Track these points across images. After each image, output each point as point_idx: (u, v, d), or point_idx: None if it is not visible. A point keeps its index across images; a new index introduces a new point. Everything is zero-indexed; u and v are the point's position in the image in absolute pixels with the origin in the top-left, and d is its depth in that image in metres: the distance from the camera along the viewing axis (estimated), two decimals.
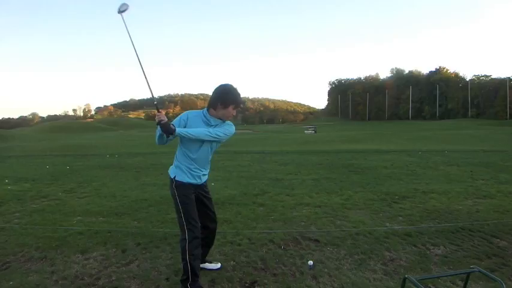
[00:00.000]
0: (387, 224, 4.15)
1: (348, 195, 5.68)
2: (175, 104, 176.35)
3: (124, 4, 2.57)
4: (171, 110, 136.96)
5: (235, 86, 2.58)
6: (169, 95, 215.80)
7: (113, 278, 2.81)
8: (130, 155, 13.64)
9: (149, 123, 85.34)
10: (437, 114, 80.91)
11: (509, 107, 65.52)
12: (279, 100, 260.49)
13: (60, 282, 2.77)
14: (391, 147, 16.69)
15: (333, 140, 23.66)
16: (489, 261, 3.08)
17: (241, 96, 2.64)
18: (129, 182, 7.20)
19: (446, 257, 3.19)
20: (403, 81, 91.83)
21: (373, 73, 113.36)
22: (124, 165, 10.11)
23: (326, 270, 2.94)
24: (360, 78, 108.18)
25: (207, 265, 2.94)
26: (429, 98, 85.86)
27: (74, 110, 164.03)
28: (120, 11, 2.55)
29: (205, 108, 2.60)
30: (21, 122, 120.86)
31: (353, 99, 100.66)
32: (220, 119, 2.58)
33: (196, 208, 2.61)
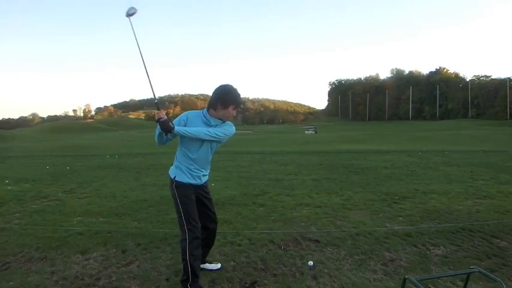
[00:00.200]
0: (387, 225, 4.15)
1: (348, 195, 5.68)
2: (176, 104, 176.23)
3: (132, 8, 2.56)
4: (171, 111, 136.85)
5: (235, 86, 2.58)
6: (169, 95, 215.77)
7: (113, 279, 2.81)
8: (131, 156, 13.65)
9: (149, 124, 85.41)
10: (438, 115, 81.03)
11: (510, 107, 65.61)
12: (279, 100, 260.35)
13: (60, 282, 2.77)
14: (391, 147, 16.70)
15: (333, 141, 23.69)
16: (489, 262, 3.08)
17: (241, 96, 2.64)
18: (129, 183, 7.21)
19: (446, 257, 3.19)
20: (403, 82, 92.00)
21: (373, 73, 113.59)
22: (124, 166, 10.12)
23: (326, 270, 2.94)
24: (360, 79, 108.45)
25: (207, 265, 2.94)
26: (429, 99, 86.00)
27: (74, 111, 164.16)
28: (129, 15, 2.54)
29: (205, 109, 2.60)
30: (22, 123, 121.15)
31: (353, 99, 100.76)
32: (220, 120, 2.58)
33: (197, 208, 2.61)
